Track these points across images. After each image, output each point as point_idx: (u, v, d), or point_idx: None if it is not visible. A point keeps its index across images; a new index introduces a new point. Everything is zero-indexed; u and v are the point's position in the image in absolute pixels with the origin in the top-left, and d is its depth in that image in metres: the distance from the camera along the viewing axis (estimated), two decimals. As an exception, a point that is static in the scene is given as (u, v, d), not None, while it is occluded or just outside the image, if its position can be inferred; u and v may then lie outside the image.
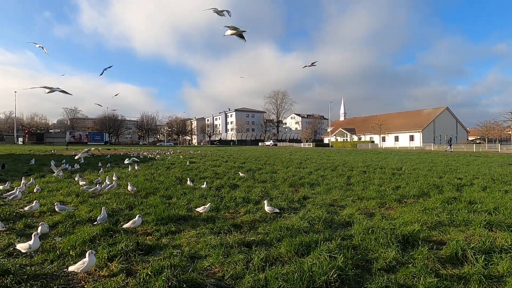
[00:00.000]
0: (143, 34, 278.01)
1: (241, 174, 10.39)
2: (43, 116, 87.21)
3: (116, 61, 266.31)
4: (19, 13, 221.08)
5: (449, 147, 36.13)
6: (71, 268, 3.04)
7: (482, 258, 3.33)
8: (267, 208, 5.46)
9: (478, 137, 71.90)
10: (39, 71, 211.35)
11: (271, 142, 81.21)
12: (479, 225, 4.54)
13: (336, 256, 3.35)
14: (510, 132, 46.74)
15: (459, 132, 64.79)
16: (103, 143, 74.16)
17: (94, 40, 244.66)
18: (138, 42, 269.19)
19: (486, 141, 58.26)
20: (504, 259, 3.32)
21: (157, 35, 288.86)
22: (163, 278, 2.85)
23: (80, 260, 3.09)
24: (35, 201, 5.51)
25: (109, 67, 12.43)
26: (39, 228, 4.16)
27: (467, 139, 66.10)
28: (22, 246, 3.48)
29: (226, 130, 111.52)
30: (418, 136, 58.64)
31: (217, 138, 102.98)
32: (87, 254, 3.05)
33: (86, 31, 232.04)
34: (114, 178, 8.96)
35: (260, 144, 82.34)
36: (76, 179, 9.01)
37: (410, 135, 60.58)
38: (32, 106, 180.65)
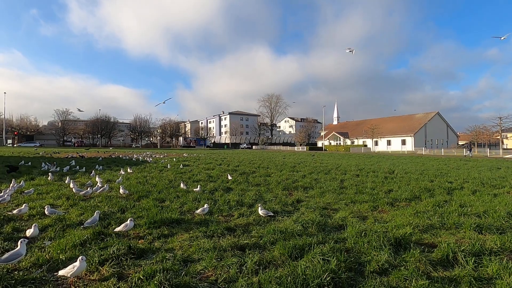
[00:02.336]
0: (134, 35, 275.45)
1: (229, 177, 10.44)
2: (34, 117, 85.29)
3: (107, 62, 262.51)
4: (3, 9, 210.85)
5: (469, 152, 36.21)
6: (60, 273, 2.98)
7: (472, 261, 3.38)
8: (261, 212, 5.45)
9: (468, 142, 73.21)
10: (29, 72, 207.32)
11: (245, 145, 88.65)
12: (469, 228, 4.61)
13: (329, 259, 3.36)
14: (499, 137, 47.76)
15: (450, 137, 65.95)
16: (205, 147, 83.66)
17: (83, 40, 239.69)
18: (129, 43, 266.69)
19: (476, 146, 59.36)
20: (494, 261, 3.37)
21: (149, 36, 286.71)
22: (155, 282, 2.82)
23: (70, 264, 3.03)
24: (24, 204, 5.39)
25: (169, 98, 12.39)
26: (30, 231, 4.09)
27: (457, 144, 67.28)
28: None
29: (220, 133, 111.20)
30: (410, 140, 59.45)
31: (211, 141, 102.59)
32: (78, 259, 3.00)
33: (75, 31, 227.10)
34: (99, 180, 8.83)
35: (241, 147, 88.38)
36: (66, 181, 8.86)
37: (402, 139, 61.38)
38: (21, 107, 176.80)
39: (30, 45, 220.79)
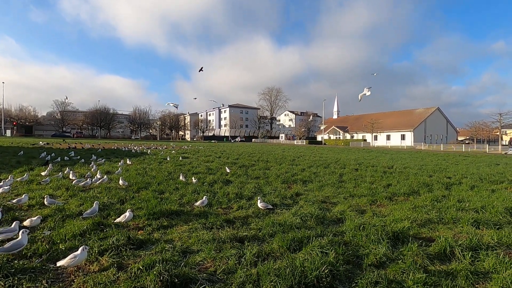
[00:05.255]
0: (129, 23, 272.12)
1: (227, 170, 10.50)
2: (33, 108, 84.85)
3: (102, 51, 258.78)
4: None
5: (511, 149, 33.74)
6: (60, 263, 2.99)
7: (469, 255, 3.41)
8: (260, 204, 5.47)
9: (467, 138, 73.29)
10: (22, 59, 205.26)
11: (238, 138, 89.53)
12: (466, 223, 4.65)
13: (327, 252, 3.39)
14: (498, 133, 47.78)
15: (449, 132, 65.94)
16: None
17: (77, 28, 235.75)
18: (124, 31, 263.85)
19: (475, 142, 59.45)
20: (490, 256, 3.40)
21: (145, 24, 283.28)
22: (154, 272, 2.84)
23: (71, 254, 3.04)
24: (24, 194, 5.40)
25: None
26: (32, 220, 4.13)
27: (457, 139, 67.35)
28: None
29: (220, 126, 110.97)
30: (409, 135, 59.47)
31: (210, 134, 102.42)
32: (80, 249, 3.01)
33: (67, 18, 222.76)
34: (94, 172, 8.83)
35: (232, 141, 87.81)
36: (66, 172, 8.86)
37: (401, 134, 61.38)
38: (18, 97, 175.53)
39: (22, 31, 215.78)
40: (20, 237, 3.29)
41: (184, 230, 4.31)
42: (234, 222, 4.72)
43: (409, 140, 58.75)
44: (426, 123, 61.33)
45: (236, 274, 2.97)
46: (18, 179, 7.59)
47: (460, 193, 7.19)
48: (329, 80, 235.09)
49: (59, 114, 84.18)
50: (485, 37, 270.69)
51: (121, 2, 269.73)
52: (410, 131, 59.33)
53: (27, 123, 79.26)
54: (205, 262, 3.28)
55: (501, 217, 4.99)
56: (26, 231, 3.36)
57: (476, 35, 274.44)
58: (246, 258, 3.30)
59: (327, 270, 2.95)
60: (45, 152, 15.38)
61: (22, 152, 15.68)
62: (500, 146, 41.80)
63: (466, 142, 63.00)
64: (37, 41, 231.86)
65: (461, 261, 3.33)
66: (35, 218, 4.19)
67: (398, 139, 61.55)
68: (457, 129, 70.24)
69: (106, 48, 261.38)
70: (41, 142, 28.35)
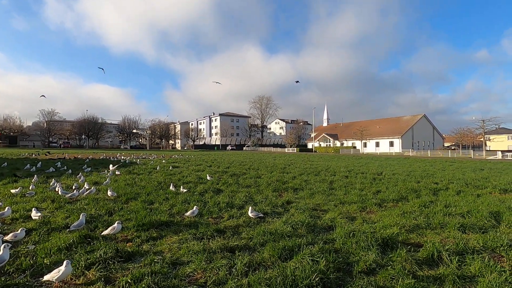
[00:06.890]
0: (116, 31, 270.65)
1: (208, 178, 10.46)
2: (18, 117, 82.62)
3: (89, 60, 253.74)
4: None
5: None
6: (45, 278, 2.91)
7: (456, 259, 3.49)
8: (251, 213, 5.46)
9: (453, 144, 75.19)
10: (8, 69, 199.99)
11: (229, 147, 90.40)
12: (453, 228, 4.75)
13: (318, 260, 3.40)
14: (482, 139, 49.25)
15: (436, 139, 67.55)
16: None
17: (62, 37, 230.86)
18: (112, 40, 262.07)
19: (460, 148, 61.03)
20: (476, 260, 3.48)
21: (133, 32, 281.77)
22: (143, 285, 2.79)
23: (55, 269, 2.96)
24: (7, 207, 5.23)
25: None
26: (16, 234, 4.00)
27: (443, 146, 68.99)
28: None
29: (211, 135, 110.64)
30: (397, 142, 60.60)
31: (201, 143, 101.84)
32: (64, 263, 2.93)
33: (51, 26, 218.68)
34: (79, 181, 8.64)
35: (228, 148, 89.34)
36: (52, 183, 8.64)
37: (390, 141, 62.49)
38: (4, 107, 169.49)
39: (4, 39, 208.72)
40: (1, 252, 3.18)
41: (174, 241, 4.25)
42: (225, 231, 4.68)
43: (397, 147, 59.83)
44: (414, 130, 62.70)
45: (226, 284, 2.94)
46: (13, 190, 7.34)
47: (447, 198, 7.35)
48: (319, 88, 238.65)
49: (45, 124, 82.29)
50: (468, 46, 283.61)
51: (107, 10, 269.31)
52: (398, 138, 60.48)
53: (11, 134, 77.07)
54: (195, 273, 3.24)
55: (486, 221, 5.12)
56: (8, 246, 3.25)
57: (460, 44, 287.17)
58: (237, 268, 3.27)
59: (318, 278, 2.96)
60: (37, 164, 14.91)
61: (5, 163, 15.21)
62: (484, 152, 43.03)
63: (452, 148, 64.59)
64: (21, 49, 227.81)
65: (449, 266, 3.40)
66: (18, 231, 4.07)
67: (387, 146, 62.62)
68: (444, 135, 72.07)
69: (93, 57, 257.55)
70: (33, 154, 27.35)
